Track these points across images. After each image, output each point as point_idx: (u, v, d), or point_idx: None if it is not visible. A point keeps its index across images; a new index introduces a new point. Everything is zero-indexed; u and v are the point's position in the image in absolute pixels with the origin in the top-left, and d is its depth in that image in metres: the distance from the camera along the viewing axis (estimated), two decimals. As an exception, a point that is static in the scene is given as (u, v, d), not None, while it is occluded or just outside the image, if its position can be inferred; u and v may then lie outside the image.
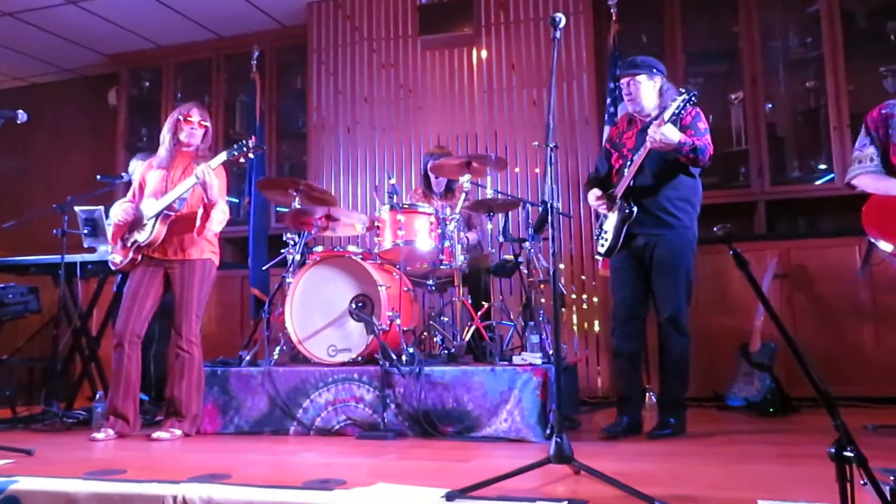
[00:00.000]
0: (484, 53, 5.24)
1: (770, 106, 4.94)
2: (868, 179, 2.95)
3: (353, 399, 3.39)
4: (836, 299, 4.27)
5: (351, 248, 3.85)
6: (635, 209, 3.06)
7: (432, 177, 4.30)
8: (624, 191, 3.11)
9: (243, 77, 5.79)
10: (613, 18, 4.77)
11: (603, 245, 3.20)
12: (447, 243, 3.76)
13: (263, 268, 4.72)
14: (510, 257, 3.94)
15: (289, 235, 3.96)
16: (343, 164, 5.46)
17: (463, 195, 3.78)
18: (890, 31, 4.72)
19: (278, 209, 5.16)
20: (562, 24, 2.52)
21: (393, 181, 3.82)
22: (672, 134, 2.95)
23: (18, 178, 6.96)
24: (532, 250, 3.96)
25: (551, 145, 2.23)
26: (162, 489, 2.08)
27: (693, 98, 2.93)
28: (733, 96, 4.99)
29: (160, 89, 6.30)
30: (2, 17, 5.67)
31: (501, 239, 3.88)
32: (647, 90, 3.19)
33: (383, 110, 5.41)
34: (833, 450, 1.44)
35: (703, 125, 3.12)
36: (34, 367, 5.20)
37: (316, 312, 3.65)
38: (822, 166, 4.72)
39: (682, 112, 2.96)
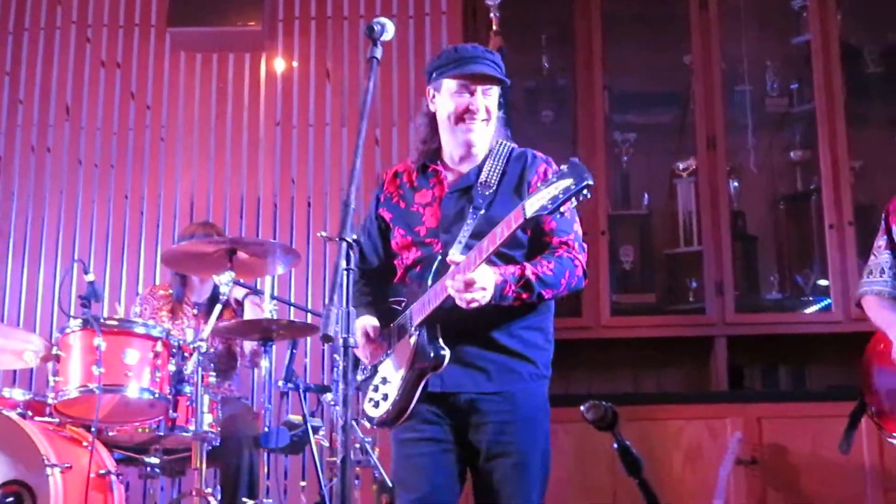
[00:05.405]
0: (280, 63, 5.28)
1: (736, 184, 5.22)
2: (873, 302, 3.06)
3: None
4: (833, 499, 4.41)
5: (12, 392, 3.74)
6: (446, 354, 2.56)
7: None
8: (430, 313, 2.59)
9: None
10: (494, 27, 4.88)
11: (376, 405, 2.68)
12: (186, 390, 3.66)
13: None
14: (297, 418, 3.85)
15: None
16: (16, 234, 5.21)
17: (218, 307, 3.72)
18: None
19: None
20: (385, 36, 2.48)
21: (91, 278, 3.68)
22: (487, 278, 2.50)
23: None
24: (337, 404, 3.88)
25: (350, 238, 2.14)
26: None
27: (585, 188, 2.34)
28: (681, 166, 5.21)
29: None
30: None
31: (284, 385, 3.81)
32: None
33: (98, 135, 5.30)
34: None
35: (571, 214, 2.75)
36: None
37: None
38: (822, 282, 4.91)
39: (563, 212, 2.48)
